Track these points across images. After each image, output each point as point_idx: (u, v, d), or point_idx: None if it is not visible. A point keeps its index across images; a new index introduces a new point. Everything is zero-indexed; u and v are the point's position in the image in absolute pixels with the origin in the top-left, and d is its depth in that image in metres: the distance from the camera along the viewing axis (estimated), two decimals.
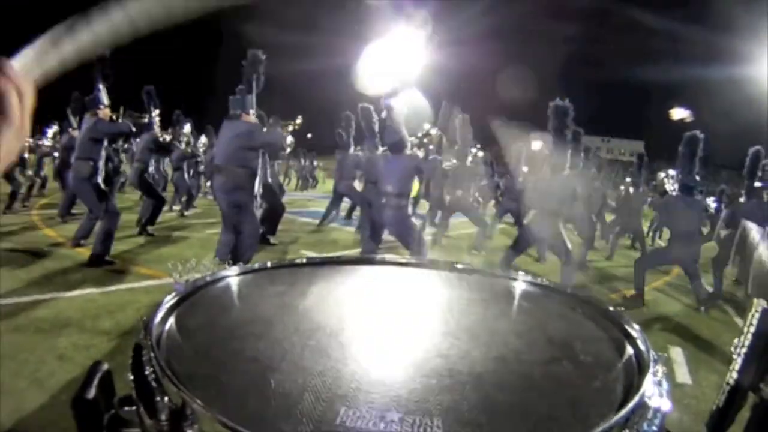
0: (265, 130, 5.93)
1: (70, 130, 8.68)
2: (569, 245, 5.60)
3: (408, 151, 5.42)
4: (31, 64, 0.61)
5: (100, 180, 5.82)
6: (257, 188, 5.28)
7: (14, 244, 6.05)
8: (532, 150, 9.25)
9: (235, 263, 1.51)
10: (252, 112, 5.30)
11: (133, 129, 6.29)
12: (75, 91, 8.45)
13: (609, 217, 10.56)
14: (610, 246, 9.53)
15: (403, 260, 1.75)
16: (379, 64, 4.96)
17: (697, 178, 6.19)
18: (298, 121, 6.40)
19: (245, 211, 5.15)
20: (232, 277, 1.43)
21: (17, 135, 0.59)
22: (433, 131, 6.64)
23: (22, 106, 0.59)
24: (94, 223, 5.87)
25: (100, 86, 5.89)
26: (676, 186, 6.45)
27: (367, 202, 8.14)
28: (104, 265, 5.43)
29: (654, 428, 0.84)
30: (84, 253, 5.95)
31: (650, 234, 12.42)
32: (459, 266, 1.68)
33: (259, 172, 5.32)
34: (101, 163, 5.86)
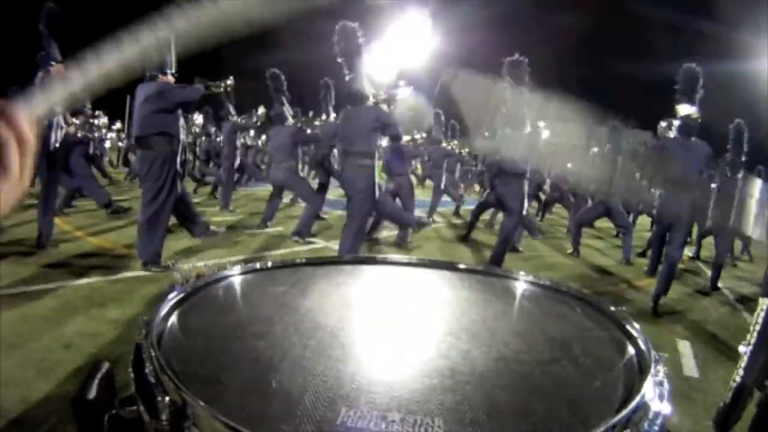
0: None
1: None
2: (525, 206, 5.61)
3: (370, 104, 4.93)
4: (34, 106, 0.59)
5: (55, 143, 5.51)
6: (180, 158, 4.82)
7: (21, 233, 6.09)
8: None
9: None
10: (170, 72, 4.85)
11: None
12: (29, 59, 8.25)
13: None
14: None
15: (404, 260, 1.75)
16: (380, 55, 4.85)
17: (699, 120, 5.54)
18: (229, 81, 5.80)
19: (165, 188, 4.67)
20: (233, 276, 1.44)
21: (16, 186, 0.57)
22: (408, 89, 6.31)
23: (23, 155, 0.56)
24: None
25: (51, 43, 5.47)
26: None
27: None
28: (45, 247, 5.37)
29: (655, 429, 0.84)
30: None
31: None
32: (459, 266, 1.68)
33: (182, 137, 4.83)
34: (55, 121, 5.52)
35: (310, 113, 7.36)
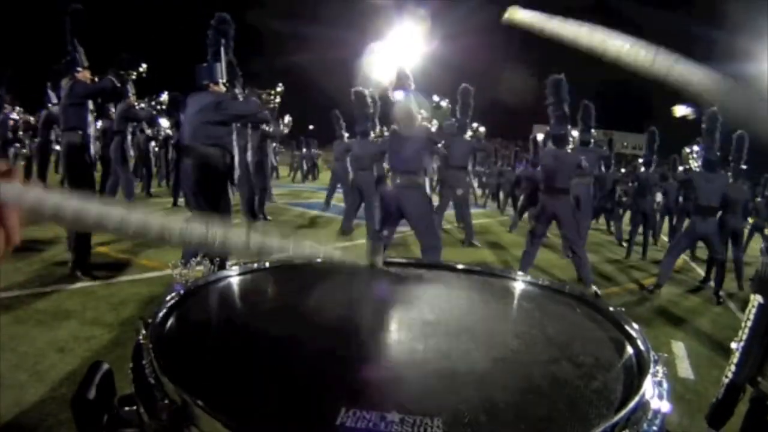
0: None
1: (50, 105, 8.19)
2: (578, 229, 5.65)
3: (418, 125, 4.98)
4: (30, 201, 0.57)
5: (92, 154, 5.09)
6: (236, 172, 4.67)
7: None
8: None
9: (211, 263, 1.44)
10: (221, 81, 4.65)
11: (118, 85, 5.45)
12: (54, 65, 7.54)
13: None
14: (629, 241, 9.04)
15: (403, 260, 1.75)
16: (381, 57, 4.88)
17: (718, 153, 6.41)
18: (279, 89, 5.66)
19: (217, 200, 4.49)
20: (233, 276, 1.43)
21: None
22: (444, 103, 6.39)
23: (5, 246, 0.57)
24: None
25: (78, 47, 5.10)
26: (700, 162, 6.59)
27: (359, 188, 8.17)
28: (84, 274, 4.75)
29: (654, 428, 0.84)
30: None
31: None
32: (459, 266, 1.68)
33: (236, 151, 4.69)
34: (91, 131, 5.12)
35: (287, 119, 7.49)
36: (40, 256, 5.30)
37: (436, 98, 6.00)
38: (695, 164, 7.02)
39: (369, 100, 8.48)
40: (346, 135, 9.82)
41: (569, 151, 6.06)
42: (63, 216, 0.58)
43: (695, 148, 6.49)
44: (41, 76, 8.59)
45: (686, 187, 7.30)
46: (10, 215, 0.57)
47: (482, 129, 11.30)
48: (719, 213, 6.36)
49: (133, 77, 6.31)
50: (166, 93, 10.02)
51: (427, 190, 4.96)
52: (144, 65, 6.34)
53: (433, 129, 5.33)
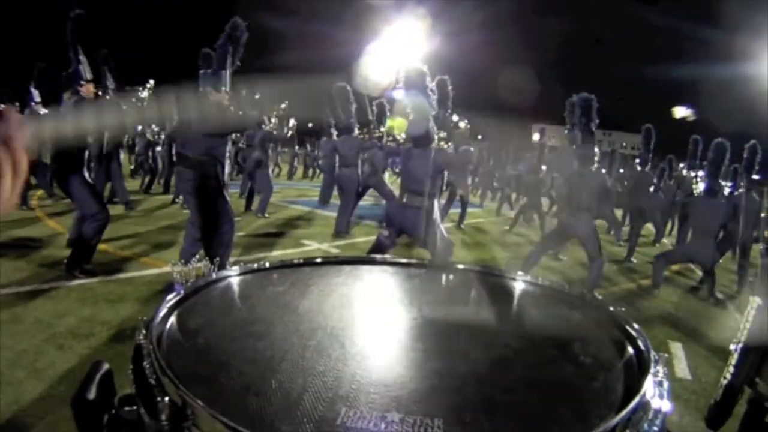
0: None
1: (33, 104, 7.81)
2: (600, 243, 5.59)
3: (434, 145, 4.83)
4: (32, 134, 0.57)
5: (87, 173, 4.85)
6: (225, 177, 4.58)
7: (14, 234, 6.04)
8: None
9: (211, 263, 1.41)
10: (225, 90, 4.46)
11: (123, 107, 5.27)
12: (39, 61, 7.53)
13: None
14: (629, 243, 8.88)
15: (404, 260, 1.75)
16: (380, 57, 4.82)
17: (721, 182, 6.61)
18: (282, 105, 5.67)
19: (216, 205, 4.50)
20: (233, 277, 1.43)
21: (2, 205, 0.56)
22: (462, 124, 6.30)
23: (14, 178, 0.57)
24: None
25: (81, 57, 4.77)
26: (702, 187, 6.75)
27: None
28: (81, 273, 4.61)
29: (655, 428, 0.84)
30: None
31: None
32: (459, 266, 1.68)
33: (227, 160, 4.61)
34: (90, 151, 4.96)
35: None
36: (38, 253, 5.30)
37: (455, 118, 5.97)
38: (698, 189, 7.15)
39: (352, 96, 8.40)
40: (335, 133, 9.72)
41: (593, 169, 5.91)
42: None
43: (700, 173, 6.63)
44: (24, 73, 8.45)
45: (686, 208, 7.44)
46: (20, 149, 0.56)
47: (462, 125, 11.27)
48: (718, 237, 6.40)
49: (143, 95, 6.18)
50: (145, 92, 9.92)
51: (436, 211, 4.74)
52: (152, 81, 6.23)
53: (450, 150, 5.21)
